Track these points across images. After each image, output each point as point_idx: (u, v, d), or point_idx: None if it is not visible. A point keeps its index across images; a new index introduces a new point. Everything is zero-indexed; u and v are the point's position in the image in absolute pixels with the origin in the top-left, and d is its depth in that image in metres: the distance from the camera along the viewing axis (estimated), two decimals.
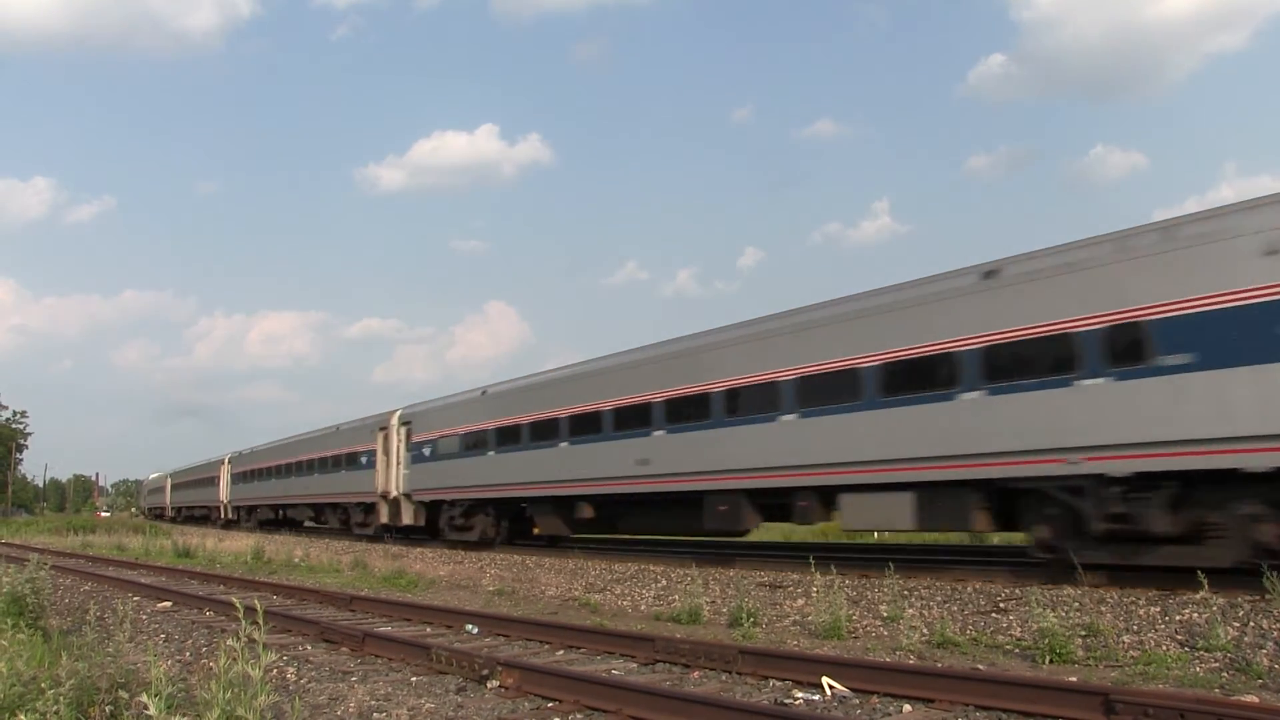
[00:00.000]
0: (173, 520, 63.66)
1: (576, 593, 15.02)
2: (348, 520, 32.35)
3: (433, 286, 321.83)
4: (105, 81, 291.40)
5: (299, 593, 15.73)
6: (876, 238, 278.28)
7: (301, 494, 37.17)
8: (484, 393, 24.31)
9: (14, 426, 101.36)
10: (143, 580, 18.72)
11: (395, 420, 28.42)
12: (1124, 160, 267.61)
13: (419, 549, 24.94)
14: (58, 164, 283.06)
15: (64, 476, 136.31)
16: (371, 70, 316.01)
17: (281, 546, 27.85)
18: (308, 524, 40.31)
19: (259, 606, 5.39)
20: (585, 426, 19.38)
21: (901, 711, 6.72)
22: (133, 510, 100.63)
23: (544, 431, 20.73)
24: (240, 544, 29.07)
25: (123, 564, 24.53)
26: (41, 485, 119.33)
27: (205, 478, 54.42)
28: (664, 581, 14.96)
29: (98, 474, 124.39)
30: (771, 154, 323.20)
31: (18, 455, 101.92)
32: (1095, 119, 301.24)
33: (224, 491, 49.45)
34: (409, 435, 27.30)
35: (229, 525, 47.79)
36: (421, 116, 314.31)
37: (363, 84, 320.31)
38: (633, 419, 18.07)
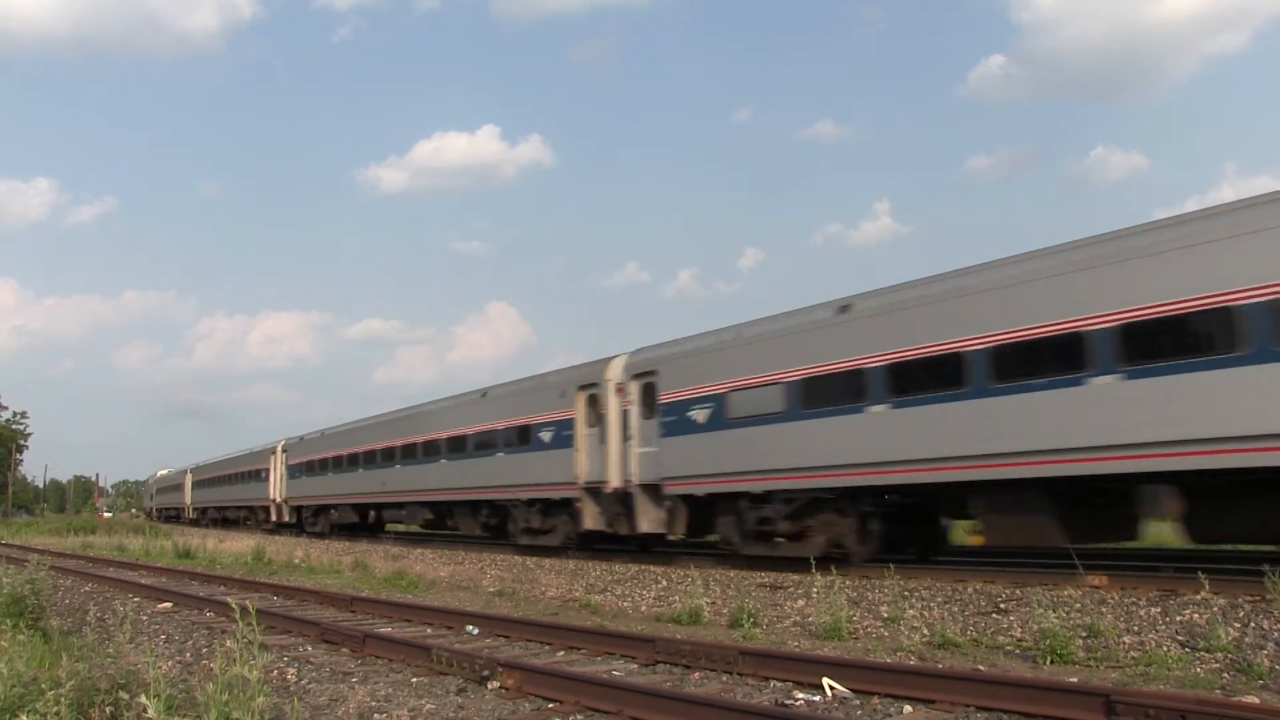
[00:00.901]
0: (193, 523, 56.31)
1: (577, 594, 15.01)
2: (500, 523, 23.41)
3: (434, 287, 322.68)
4: (107, 82, 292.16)
5: (300, 594, 15.72)
6: (878, 238, 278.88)
7: (413, 488, 27.43)
8: (844, 309, 14.72)
9: (14, 427, 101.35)
10: (143, 581, 18.71)
11: (617, 371, 19.37)
12: (1124, 161, 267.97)
13: (419, 549, 24.94)
14: (59, 165, 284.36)
15: (64, 477, 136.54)
16: (372, 71, 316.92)
17: (282, 547, 27.85)
18: (389, 528, 33.20)
19: (252, 608, 5.38)
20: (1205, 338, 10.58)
21: (902, 712, 6.72)
22: (133, 511, 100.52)
23: (1039, 360, 11.83)
24: (241, 545, 29.03)
25: (123, 565, 24.51)
26: (42, 486, 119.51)
27: (246, 471, 45.83)
28: (664, 582, 14.95)
29: (98, 474, 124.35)
30: (772, 155, 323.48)
31: (18, 456, 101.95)
32: (1096, 120, 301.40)
33: (276, 488, 40.92)
34: (646, 394, 18.36)
35: (284, 530, 39.68)
36: (422, 117, 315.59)
37: (364, 85, 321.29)
38: None
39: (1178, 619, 9.32)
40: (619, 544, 20.15)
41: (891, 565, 12.30)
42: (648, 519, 18.11)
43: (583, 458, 19.80)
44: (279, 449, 40.90)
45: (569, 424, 20.24)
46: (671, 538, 18.77)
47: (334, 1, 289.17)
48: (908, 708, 6.80)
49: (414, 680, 8.13)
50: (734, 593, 13.20)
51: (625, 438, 18.70)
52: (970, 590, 11.78)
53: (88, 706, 5.94)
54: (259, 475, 43.33)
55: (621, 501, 18.78)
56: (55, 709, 5.31)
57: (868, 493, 14.30)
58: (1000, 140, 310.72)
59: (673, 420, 17.43)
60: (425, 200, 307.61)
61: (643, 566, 16.94)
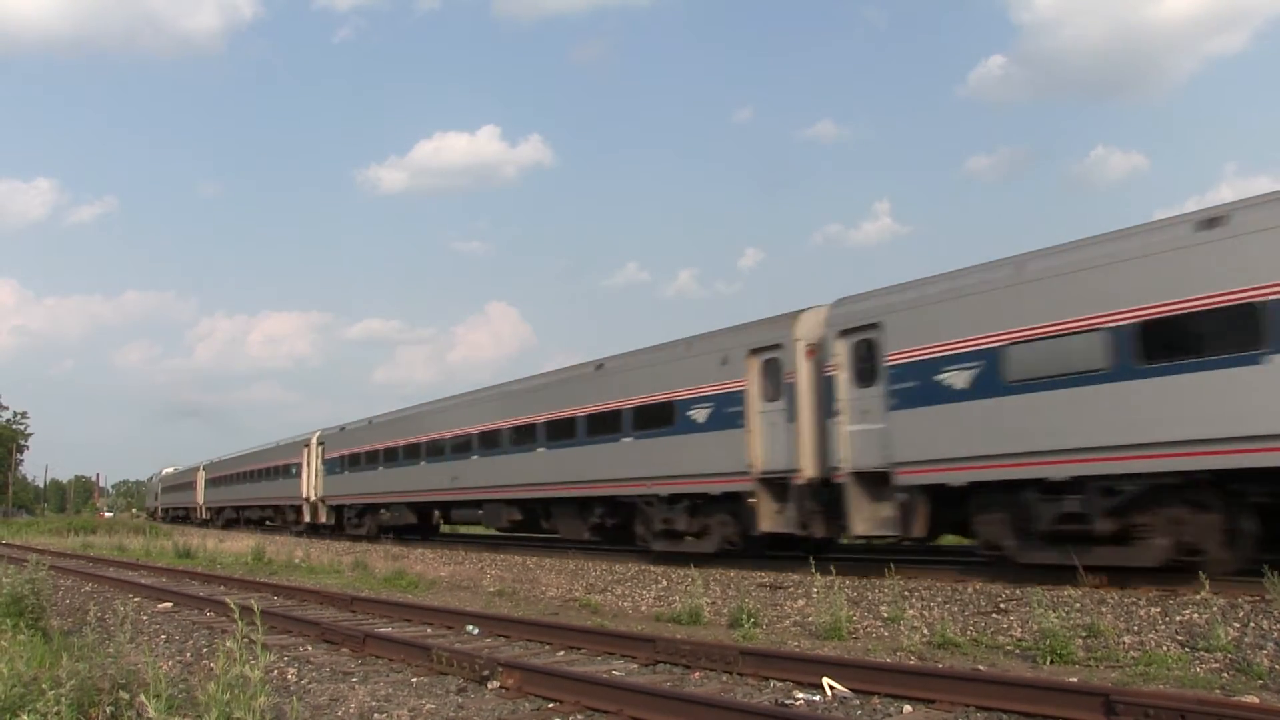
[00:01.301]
0: (205, 524, 52.75)
1: (577, 593, 15.02)
2: (621, 524, 19.01)
3: (434, 287, 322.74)
4: (107, 83, 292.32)
5: (300, 594, 15.74)
6: (878, 238, 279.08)
7: (496, 483, 22.97)
8: (1212, 222, 10.69)
9: (15, 427, 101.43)
10: (143, 581, 18.71)
11: (813, 328, 15.38)
12: (1124, 161, 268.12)
13: (419, 549, 24.94)
14: (60, 165, 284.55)
15: (65, 477, 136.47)
16: (373, 72, 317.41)
17: (282, 547, 27.86)
18: (441, 528, 30.31)
19: (256, 607, 5.39)
20: None
21: (902, 712, 6.72)
22: (134, 511, 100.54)
23: None
24: (241, 545, 29.05)
25: (123, 565, 24.51)
26: (42, 486, 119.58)
27: (273, 467, 41.56)
28: (664, 582, 14.96)
29: (98, 474, 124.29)
30: (772, 155, 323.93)
31: (18, 456, 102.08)
32: (1096, 120, 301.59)
33: (310, 485, 36.80)
34: (861, 355, 14.34)
35: (319, 532, 35.79)
36: (423, 118, 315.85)
37: (364, 85, 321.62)
38: None
39: (1177, 619, 9.32)
40: (789, 549, 16.41)
41: (892, 565, 12.29)
42: (864, 517, 14.01)
43: (757, 440, 15.71)
44: (314, 441, 36.61)
45: (736, 398, 16.11)
46: (868, 539, 15.04)
47: (334, 2, 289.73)
48: (908, 707, 6.81)
49: (414, 680, 8.14)
50: (734, 592, 13.21)
51: (828, 413, 14.60)
52: (970, 590, 11.79)
53: (88, 706, 5.94)
54: (289, 471, 38.99)
55: (817, 495, 14.85)
56: (55, 709, 5.32)
57: (1255, 477, 10.32)
58: (1000, 140, 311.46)
59: (909, 387, 13.41)
60: (425, 200, 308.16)
61: (643, 567, 16.95)
